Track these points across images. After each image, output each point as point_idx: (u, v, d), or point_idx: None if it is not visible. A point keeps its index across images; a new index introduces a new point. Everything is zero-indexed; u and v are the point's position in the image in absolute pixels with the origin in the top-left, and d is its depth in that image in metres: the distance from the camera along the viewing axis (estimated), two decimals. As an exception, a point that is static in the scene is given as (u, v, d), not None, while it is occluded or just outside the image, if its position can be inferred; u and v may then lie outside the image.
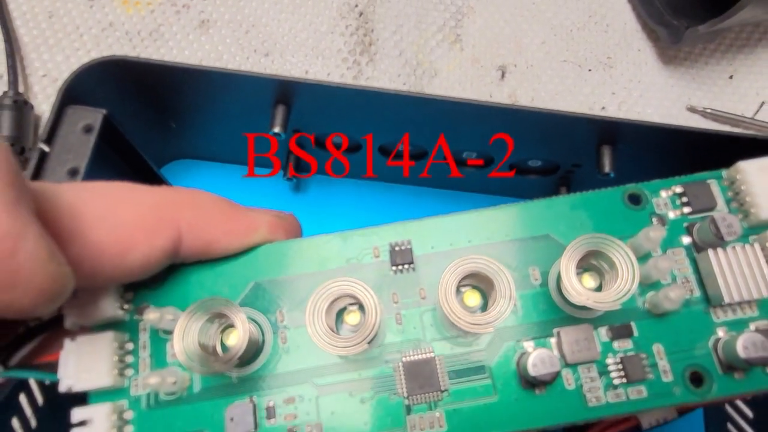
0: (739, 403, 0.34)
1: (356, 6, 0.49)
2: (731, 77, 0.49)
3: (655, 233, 0.19)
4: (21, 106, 0.41)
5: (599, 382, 0.19)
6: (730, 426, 0.35)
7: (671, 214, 0.21)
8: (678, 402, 0.19)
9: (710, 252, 0.20)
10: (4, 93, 0.41)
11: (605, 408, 0.19)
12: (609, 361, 0.20)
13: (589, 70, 0.49)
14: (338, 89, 0.32)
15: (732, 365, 0.19)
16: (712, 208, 0.21)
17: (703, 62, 0.49)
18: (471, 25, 0.50)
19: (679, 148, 0.32)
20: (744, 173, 0.21)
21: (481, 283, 0.20)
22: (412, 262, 0.21)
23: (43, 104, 0.44)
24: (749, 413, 0.34)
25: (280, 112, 0.34)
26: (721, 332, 0.20)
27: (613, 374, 0.19)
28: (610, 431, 0.24)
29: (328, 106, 0.34)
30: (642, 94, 0.48)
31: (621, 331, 0.20)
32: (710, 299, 0.20)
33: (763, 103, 0.48)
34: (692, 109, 0.47)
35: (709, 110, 0.47)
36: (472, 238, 0.21)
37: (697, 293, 0.20)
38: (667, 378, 0.19)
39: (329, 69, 0.47)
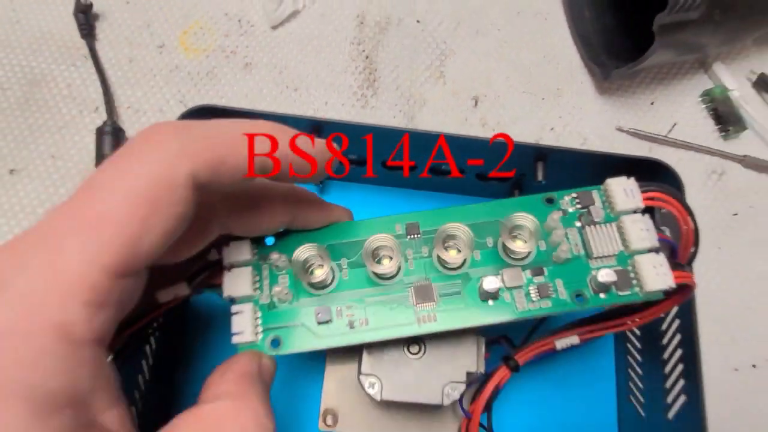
0: (633, 339, 0.44)
1: (363, 51, 0.57)
2: (653, 103, 0.57)
3: (555, 215, 0.31)
4: (117, 132, 0.50)
5: (524, 298, 0.30)
6: (628, 357, 0.45)
7: (570, 209, 0.31)
8: (568, 309, 0.29)
9: (587, 228, 0.31)
10: (104, 122, 0.50)
11: (527, 312, 0.29)
12: (530, 288, 0.30)
13: (543, 98, 0.56)
14: (353, 126, 0.40)
15: (598, 289, 0.29)
16: (592, 205, 0.31)
17: (631, 92, 0.57)
18: (452, 64, 0.57)
19: (590, 162, 0.40)
20: (609, 186, 0.31)
21: (457, 243, 0.30)
22: (419, 233, 0.31)
23: (130, 130, 0.53)
24: (639, 345, 0.44)
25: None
26: (594, 272, 0.30)
27: (532, 294, 0.30)
28: (534, 353, 0.34)
29: (346, 135, 0.41)
30: (582, 117, 0.56)
31: (537, 271, 0.30)
32: (588, 254, 0.30)
33: (675, 124, 0.56)
34: (620, 129, 0.55)
35: (633, 130, 0.54)
36: (454, 221, 0.32)
37: (582, 251, 0.30)
38: (563, 296, 0.29)
39: (343, 100, 0.55)
